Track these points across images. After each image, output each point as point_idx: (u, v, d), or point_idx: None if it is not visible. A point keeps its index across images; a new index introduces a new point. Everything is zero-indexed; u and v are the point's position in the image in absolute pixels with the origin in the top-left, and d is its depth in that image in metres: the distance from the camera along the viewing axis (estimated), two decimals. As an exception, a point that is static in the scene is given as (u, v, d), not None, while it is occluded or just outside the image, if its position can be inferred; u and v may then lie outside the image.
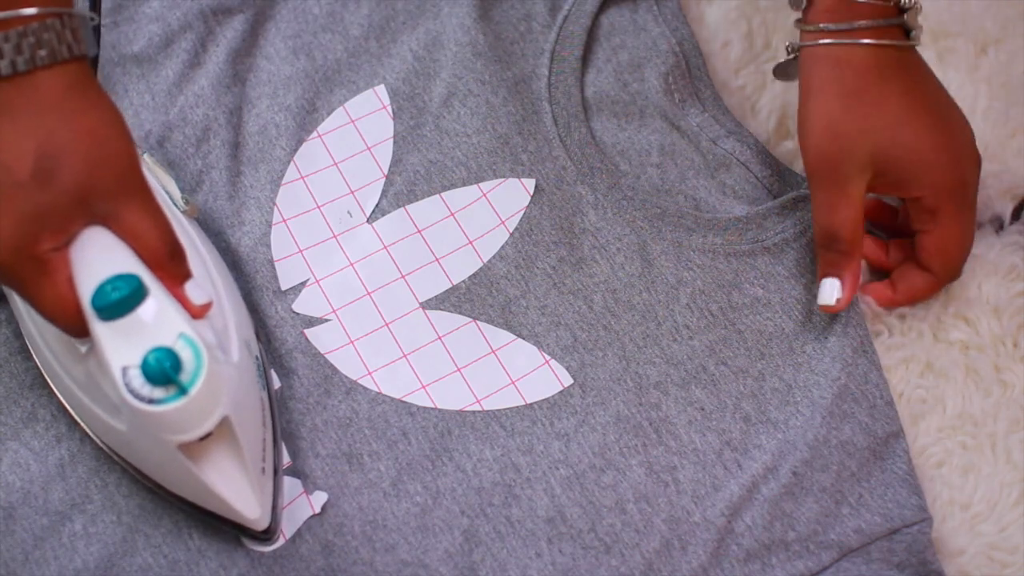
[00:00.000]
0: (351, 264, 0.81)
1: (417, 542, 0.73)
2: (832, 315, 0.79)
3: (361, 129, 0.85)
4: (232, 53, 0.86)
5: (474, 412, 0.77)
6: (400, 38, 0.88)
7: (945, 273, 0.80)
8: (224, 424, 0.65)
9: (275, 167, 0.83)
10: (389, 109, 0.85)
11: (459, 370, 0.78)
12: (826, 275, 0.78)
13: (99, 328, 0.63)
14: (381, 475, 0.75)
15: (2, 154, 0.62)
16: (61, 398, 0.74)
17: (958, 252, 0.79)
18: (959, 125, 0.78)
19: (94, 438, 0.74)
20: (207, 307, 0.67)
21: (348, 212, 0.82)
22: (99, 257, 0.64)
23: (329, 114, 0.85)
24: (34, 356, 0.76)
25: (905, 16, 0.75)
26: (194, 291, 0.67)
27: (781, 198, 0.83)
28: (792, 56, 0.79)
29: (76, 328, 0.65)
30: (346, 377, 0.78)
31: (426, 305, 0.80)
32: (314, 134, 0.85)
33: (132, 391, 0.62)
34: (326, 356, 0.78)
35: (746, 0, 0.90)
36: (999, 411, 0.80)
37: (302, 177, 0.83)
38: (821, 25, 0.76)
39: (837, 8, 0.75)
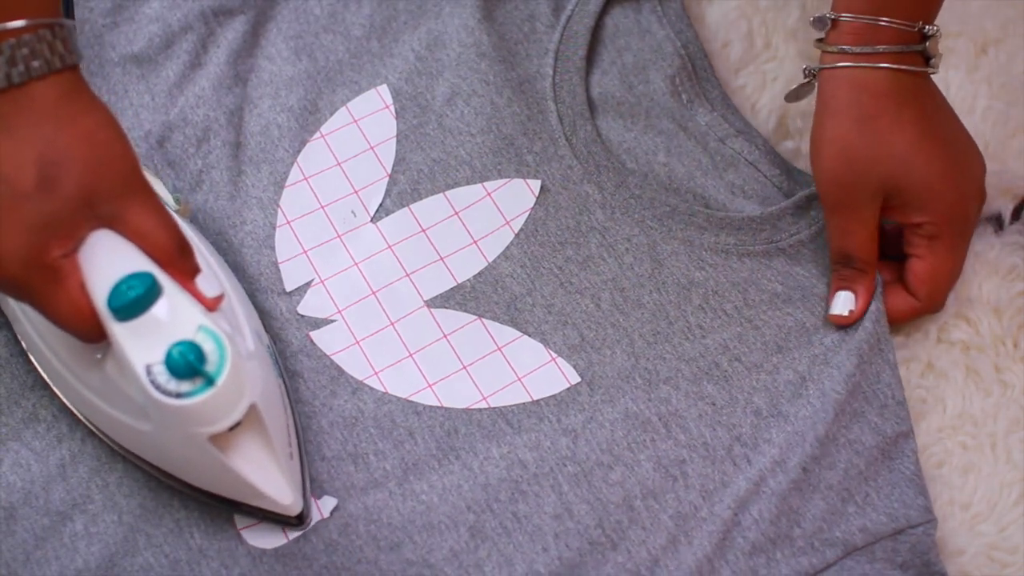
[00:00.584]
0: (356, 264, 0.81)
1: (422, 541, 0.73)
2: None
3: (364, 129, 0.85)
4: (233, 54, 0.86)
5: (480, 410, 0.77)
6: (402, 38, 0.88)
7: (930, 302, 0.80)
8: (251, 412, 0.66)
9: (278, 168, 0.83)
10: (392, 109, 0.85)
11: (465, 368, 0.78)
12: (840, 289, 0.79)
13: (117, 329, 0.63)
14: (387, 474, 0.75)
15: (3, 167, 0.62)
16: (72, 407, 0.74)
17: (947, 284, 0.80)
18: (972, 159, 0.79)
19: (111, 444, 0.73)
20: (220, 299, 0.67)
21: (352, 212, 0.82)
22: (109, 259, 0.64)
23: (332, 114, 0.85)
24: (35, 362, 0.75)
25: (927, 44, 0.76)
26: (206, 284, 0.67)
27: (794, 197, 0.83)
28: (807, 80, 0.80)
29: (92, 333, 0.64)
30: (352, 377, 0.77)
31: (431, 303, 0.80)
32: (317, 135, 0.84)
33: (158, 387, 0.62)
34: (332, 357, 0.78)
35: (746, 0, 0.90)
36: (999, 411, 0.80)
37: (306, 178, 0.83)
38: (843, 47, 0.76)
39: (861, 31, 0.76)
